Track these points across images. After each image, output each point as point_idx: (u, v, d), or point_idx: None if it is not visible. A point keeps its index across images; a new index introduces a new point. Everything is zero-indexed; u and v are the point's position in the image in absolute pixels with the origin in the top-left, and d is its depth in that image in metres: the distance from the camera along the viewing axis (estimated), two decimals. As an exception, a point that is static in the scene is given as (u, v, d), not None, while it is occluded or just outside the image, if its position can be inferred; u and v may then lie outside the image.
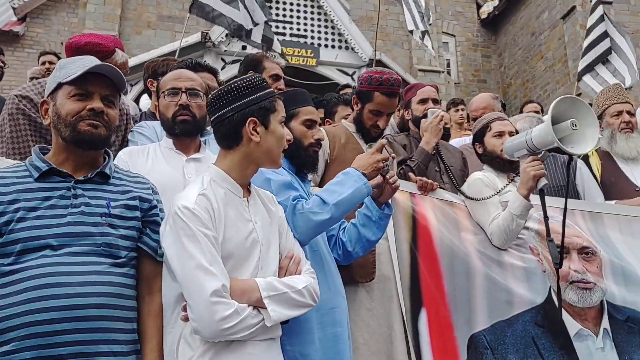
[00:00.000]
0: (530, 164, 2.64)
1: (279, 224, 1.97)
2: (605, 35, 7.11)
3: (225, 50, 9.31)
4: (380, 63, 10.43)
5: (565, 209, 2.46)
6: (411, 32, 8.01)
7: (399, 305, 2.63)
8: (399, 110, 3.80)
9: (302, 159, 2.37)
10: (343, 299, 2.30)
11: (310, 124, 2.37)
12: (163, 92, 2.45)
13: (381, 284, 2.68)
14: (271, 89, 1.94)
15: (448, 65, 16.69)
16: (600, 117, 3.69)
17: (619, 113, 3.58)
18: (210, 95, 1.93)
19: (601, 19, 7.10)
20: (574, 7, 13.59)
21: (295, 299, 1.78)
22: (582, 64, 7.33)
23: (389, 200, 2.36)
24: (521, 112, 5.31)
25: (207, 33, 9.00)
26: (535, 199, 2.70)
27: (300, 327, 2.00)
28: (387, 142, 2.37)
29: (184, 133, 2.41)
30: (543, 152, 2.66)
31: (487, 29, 17.56)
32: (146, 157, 2.36)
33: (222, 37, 9.01)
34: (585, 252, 2.83)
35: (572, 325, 2.66)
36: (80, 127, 1.77)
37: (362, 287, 2.67)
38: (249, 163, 1.89)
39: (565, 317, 2.66)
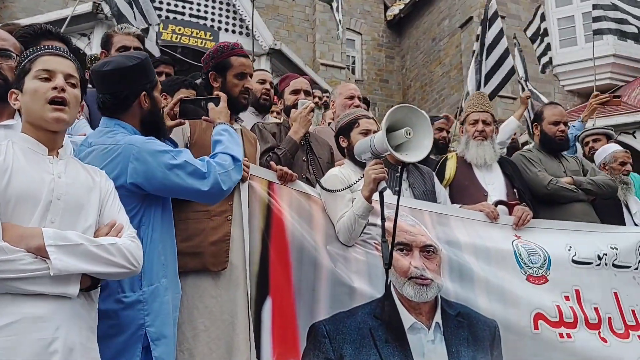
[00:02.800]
0: (373, 167, 2.71)
1: (101, 192, 1.93)
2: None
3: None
4: (280, 53, 10.41)
5: (396, 212, 2.57)
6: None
7: (246, 293, 2.63)
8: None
9: (163, 131, 2.34)
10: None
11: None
12: None
13: (229, 272, 2.67)
14: (34, 54, 1.92)
15: (353, 62, 16.96)
16: (463, 123, 3.92)
17: (475, 122, 3.81)
18: None
19: (501, 34, 7.26)
20: (471, 18, 14.19)
21: (95, 253, 1.71)
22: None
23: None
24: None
25: (99, 4, 8.53)
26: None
27: (161, 309, 2.08)
28: (226, 97, 2.56)
29: None
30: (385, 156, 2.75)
31: (393, 31, 17.96)
32: None
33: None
34: (427, 250, 2.95)
35: (407, 318, 2.78)
36: None
37: (209, 275, 2.65)
38: (31, 127, 1.87)
39: (401, 310, 2.79)
